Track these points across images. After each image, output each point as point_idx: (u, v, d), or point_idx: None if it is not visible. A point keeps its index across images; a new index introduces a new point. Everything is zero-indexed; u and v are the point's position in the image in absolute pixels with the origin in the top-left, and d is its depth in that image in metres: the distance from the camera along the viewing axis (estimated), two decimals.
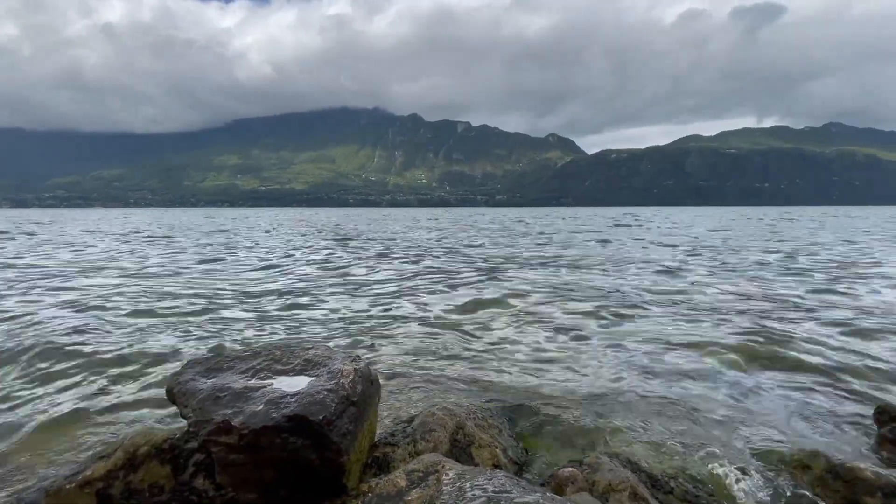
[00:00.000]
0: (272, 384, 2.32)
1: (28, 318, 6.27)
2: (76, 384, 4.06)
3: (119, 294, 7.95)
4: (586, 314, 6.55)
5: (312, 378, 2.38)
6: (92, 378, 4.19)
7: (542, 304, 7.26)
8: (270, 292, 8.21)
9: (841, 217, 54.24)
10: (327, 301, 7.55)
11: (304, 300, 7.55)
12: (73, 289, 8.56)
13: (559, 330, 5.78)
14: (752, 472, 2.74)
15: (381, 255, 14.82)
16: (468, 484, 1.78)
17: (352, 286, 8.94)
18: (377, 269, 11.30)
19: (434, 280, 9.62)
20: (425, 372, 4.38)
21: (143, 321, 6.16)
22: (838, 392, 3.85)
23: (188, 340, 5.28)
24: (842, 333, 5.49)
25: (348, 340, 5.38)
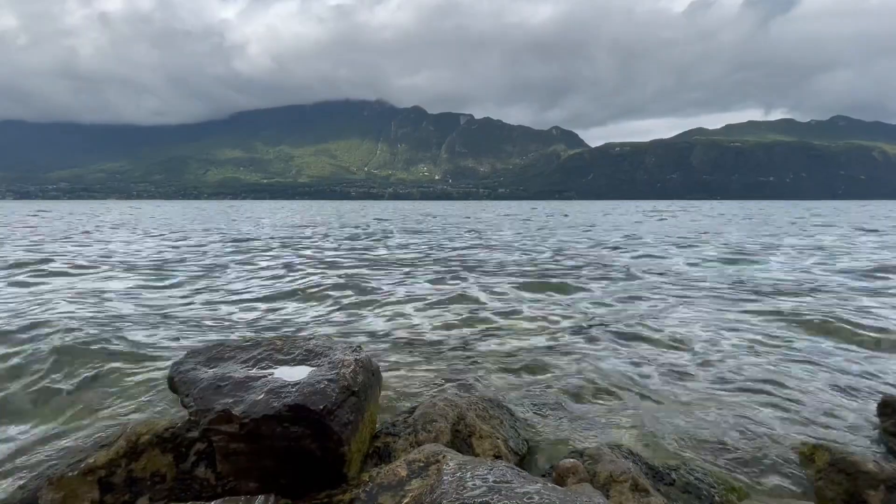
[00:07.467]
0: (273, 374, 2.32)
1: None
2: None
3: None
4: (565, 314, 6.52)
5: (313, 368, 2.37)
6: None
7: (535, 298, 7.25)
8: None
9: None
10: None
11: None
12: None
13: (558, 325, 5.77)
14: (755, 464, 2.73)
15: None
16: (469, 474, 1.77)
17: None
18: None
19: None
20: (427, 363, 4.37)
21: None
22: (842, 385, 3.82)
23: None
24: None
25: (348, 330, 5.38)
